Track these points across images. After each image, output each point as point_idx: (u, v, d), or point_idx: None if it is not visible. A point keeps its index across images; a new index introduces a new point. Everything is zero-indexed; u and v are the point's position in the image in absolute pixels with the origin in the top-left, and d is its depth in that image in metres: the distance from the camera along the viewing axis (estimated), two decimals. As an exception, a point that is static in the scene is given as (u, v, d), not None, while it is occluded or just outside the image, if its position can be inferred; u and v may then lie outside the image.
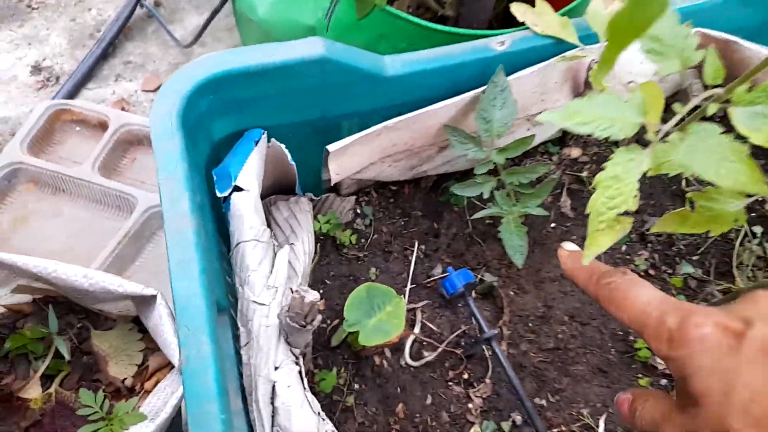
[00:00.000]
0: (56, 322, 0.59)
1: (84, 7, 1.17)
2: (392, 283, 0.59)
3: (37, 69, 1.08)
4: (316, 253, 0.59)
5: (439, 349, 0.56)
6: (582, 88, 0.60)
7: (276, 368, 0.43)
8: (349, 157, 0.55)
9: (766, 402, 0.27)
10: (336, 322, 0.57)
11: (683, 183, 0.64)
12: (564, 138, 0.67)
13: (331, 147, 0.52)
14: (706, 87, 0.37)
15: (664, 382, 0.55)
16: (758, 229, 0.60)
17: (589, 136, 0.65)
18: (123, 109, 1.03)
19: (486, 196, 0.57)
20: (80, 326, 0.62)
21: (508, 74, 0.53)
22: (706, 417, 0.29)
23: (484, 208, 0.58)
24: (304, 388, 0.43)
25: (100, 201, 0.84)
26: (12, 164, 0.83)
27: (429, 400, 0.54)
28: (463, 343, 0.57)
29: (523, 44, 0.54)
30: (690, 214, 0.43)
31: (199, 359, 0.38)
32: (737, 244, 0.60)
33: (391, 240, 0.63)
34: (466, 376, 0.56)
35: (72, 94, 1.03)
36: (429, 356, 0.55)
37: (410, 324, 0.57)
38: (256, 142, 0.50)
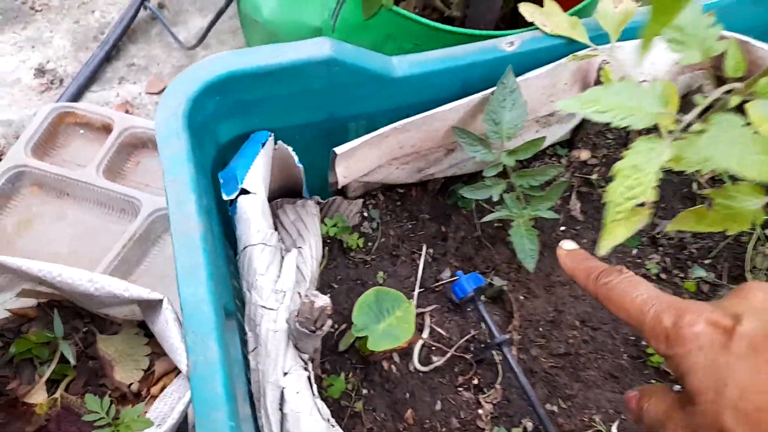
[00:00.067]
0: (61, 326, 0.58)
1: (87, 9, 1.17)
2: (400, 287, 0.59)
3: (40, 72, 1.08)
4: (323, 256, 0.59)
5: (449, 354, 0.55)
6: (592, 89, 0.60)
7: (285, 374, 0.42)
8: (357, 160, 0.54)
9: (756, 398, 0.27)
10: (344, 326, 0.56)
11: (694, 185, 0.63)
12: (573, 140, 0.67)
13: (338, 149, 0.51)
14: (721, 82, 0.37)
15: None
16: (771, 232, 0.59)
17: (599, 135, 0.65)
18: (127, 111, 1.03)
19: (495, 198, 0.56)
20: (86, 330, 0.61)
21: (517, 75, 0.53)
22: (702, 415, 0.29)
23: (493, 211, 0.57)
24: (314, 395, 0.43)
25: (105, 204, 0.83)
26: (16, 167, 0.82)
27: (438, 406, 0.53)
28: (472, 348, 0.56)
29: (533, 45, 0.53)
30: (707, 212, 0.42)
31: (206, 365, 0.37)
32: (750, 247, 0.59)
33: (398, 243, 0.62)
34: (476, 381, 0.55)
35: (76, 97, 1.03)
36: (438, 361, 0.55)
37: (419, 328, 0.57)
38: (263, 145, 0.50)
